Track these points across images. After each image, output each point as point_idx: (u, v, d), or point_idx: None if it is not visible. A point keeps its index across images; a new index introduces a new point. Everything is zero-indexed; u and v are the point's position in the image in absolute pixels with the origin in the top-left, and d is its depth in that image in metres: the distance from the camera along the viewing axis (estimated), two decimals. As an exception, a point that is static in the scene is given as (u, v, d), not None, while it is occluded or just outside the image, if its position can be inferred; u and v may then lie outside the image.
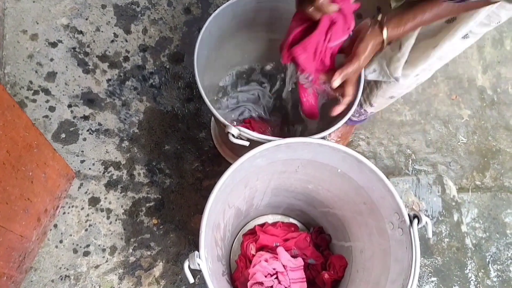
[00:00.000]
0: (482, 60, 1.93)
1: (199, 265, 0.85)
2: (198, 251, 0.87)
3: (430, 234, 0.91)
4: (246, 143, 1.03)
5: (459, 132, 1.79)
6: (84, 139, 1.49)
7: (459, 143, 1.77)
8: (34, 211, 1.15)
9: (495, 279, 1.56)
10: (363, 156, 0.97)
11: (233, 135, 1.00)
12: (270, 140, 0.99)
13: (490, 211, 1.66)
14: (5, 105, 0.87)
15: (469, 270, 1.49)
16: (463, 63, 1.92)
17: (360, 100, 1.21)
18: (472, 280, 1.48)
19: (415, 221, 0.91)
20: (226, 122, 1.03)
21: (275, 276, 1.21)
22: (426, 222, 0.90)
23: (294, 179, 1.19)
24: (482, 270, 1.56)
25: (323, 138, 1.02)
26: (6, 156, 0.93)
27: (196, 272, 0.82)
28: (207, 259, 0.91)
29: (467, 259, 1.51)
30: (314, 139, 0.98)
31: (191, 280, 0.84)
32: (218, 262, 1.12)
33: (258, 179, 1.14)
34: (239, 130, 1.00)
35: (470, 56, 1.94)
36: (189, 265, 0.85)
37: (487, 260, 1.58)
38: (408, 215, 0.93)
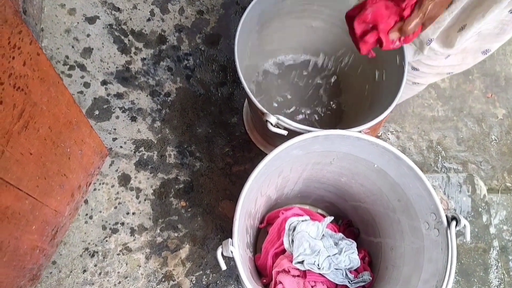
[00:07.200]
0: (521, 58, 1.89)
1: (232, 252, 0.85)
2: (232, 238, 0.87)
3: (468, 238, 0.90)
4: (284, 132, 1.02)
5: (492, 132, 1.76)
6: (117, 117, 1.50)
7: (491, 143, 1.74)
8: (69, 186, 1.17)
9: (521, 284, 1.54)
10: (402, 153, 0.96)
11: (271, 124, 1.00)
12: (309, 131, 0.98)
13: (519, 214, 1.63)
14: (50, 81, 0.88)
15: (495, 273, 1.47)
16: (501, 60, 1.87)
17: None
18: (496, 283, 1.46)
19: (453, 223, 0.89)
20: (265, 110, 1.02)
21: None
22: (464, 225, 0.89)
23: (327, 171, 1.18)
24: (507, 274, 1.54)
25: (359, 131, 1.01)
26: (48, 132, 0.93)
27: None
28: (239, 247, 0.91)
29: (493, 261, 1.49)
30: (353, 132, 0.97)
31: (224, 267, 0.84)
32: (247, 249, 1.12)
33: (291, 169, 1.13)
34: (278, 118, 0.99)
35: (509, 54, 1.89)
36: (222, 252, 0.85)
37: (514, 263, 1.56)
38: (446, 216, 0.91)
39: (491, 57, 1.85)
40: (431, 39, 1.04)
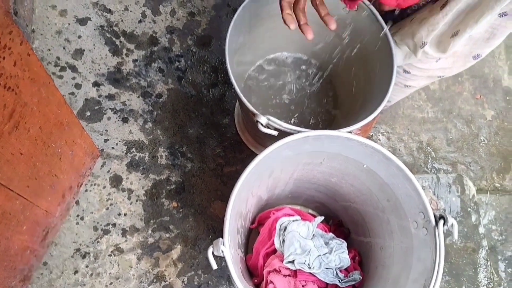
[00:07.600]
0: (509, 60, 1.90)
1: (223, 252, 0.85)
2: (222, 238, 0.87)
3: (456, 236, 0.91)
4: (275, 133, 1.02)
5: (481, 133, 1.77)
6: (109, 118, 1.50)
7: (480, 144, 1.76)
8: (60, 187, 1.17)
9: (511, 283, 1.56)
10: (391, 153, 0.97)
11: (261, 124, 1.00)
12: (299, 131, 0.98)
13: (507, 214, 1.65)
14: (41, 82, 0.88)
15: (484, 272, 1.49)
16: (489, 62, 1.89)
17: None
18: (485, 282, 1.48)
19: (441, 222, 0.90)
20: (255, 110, 1.02)
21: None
22: (452, 224, 0.90)
23: (318, 171, 1.18)
24: (496, 273, 1.56)
25: (349, 132, 1.02)
26: (38, 133, 0.94)
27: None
28: (230, 246, 0.91)
29: (482, 261, 1.50)
30: (343, 133, 0.98)
31: (215, 266, 0.85)
32: (238, 250, 1.13)
33: (282, 169, 1.14)
34: (268, 119, 1.00)
35: (498, 56, 1.91)
36: (213, 252, 0.85)
37: (502, 263, 1.57)
38: (434, 215, 0.92)
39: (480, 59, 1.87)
40: (424, 42, 1.05)
